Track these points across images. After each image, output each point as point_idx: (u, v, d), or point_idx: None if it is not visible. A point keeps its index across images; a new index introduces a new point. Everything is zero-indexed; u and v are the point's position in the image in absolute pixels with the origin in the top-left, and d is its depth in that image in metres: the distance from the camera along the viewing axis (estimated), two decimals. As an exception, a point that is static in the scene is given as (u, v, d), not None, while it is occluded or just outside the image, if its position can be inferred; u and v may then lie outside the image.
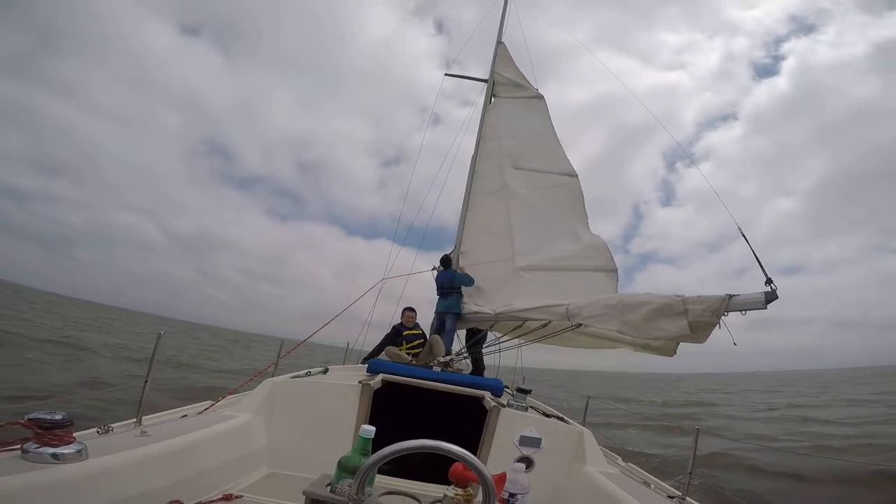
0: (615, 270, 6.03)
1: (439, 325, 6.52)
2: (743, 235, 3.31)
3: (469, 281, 6.63)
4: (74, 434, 1.75)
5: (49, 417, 1.65)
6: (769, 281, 2.86)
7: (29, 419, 1.64)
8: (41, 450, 1.61)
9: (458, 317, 6.42)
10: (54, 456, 1.61)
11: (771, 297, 2.84)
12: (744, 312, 2.96)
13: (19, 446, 1.62)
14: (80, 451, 1.68)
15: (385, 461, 1.29)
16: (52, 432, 1.64)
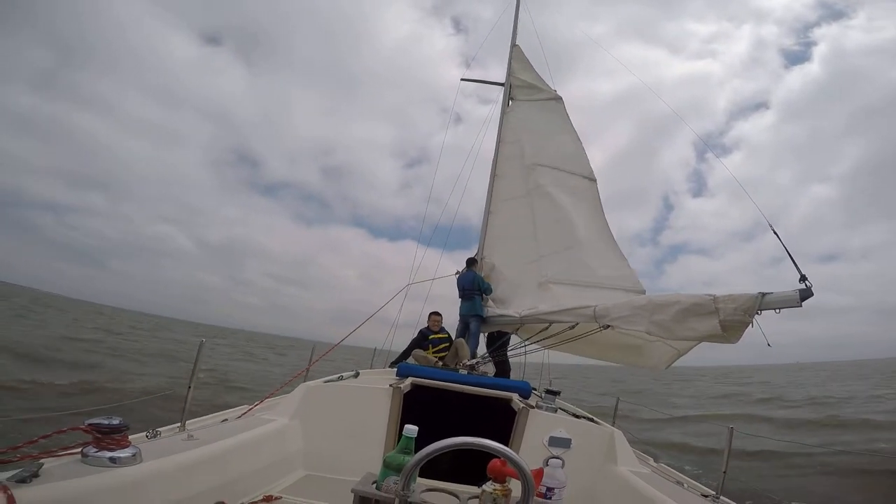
0: (643, 291, 5.91)
1: (463, 328, 6.54)
2: (774, 232, 3.26)
3: (488, 288, 6.64)
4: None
5: (107, 423, 1.73)
6: (803, 278, 2.82)
7: (89, 424, 1.72)
8: (100, 454, 1.68)
9: (482, 319, 6.44)
10: (112, 459, 1.69)
11: (806, 294, 2.79)
12: (778, 311, 2.91)
13: (80, 450, 1.70)
14: (135, 455, 1.76)
15: (429, 458, 1.33)
16: (110, 437, 1.72)
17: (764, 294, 2.94)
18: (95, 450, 1.69)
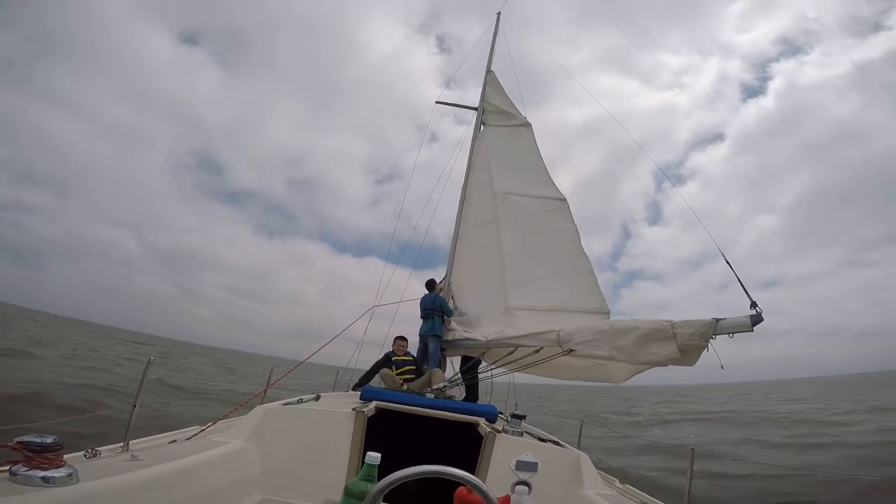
0: (608, 313, 6.05)
1: (423, 348, 6.53)
2: (726, 261, 3.39)
3: (450, 311, 6.68)
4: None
5: (39, 441, 1.63)
6: (754, 304, 2.93)
7: (18, 442, 1.62)
8: (30, 472, 1.58)
9: (447, 341, 6.44)
10: (44, 479, 1.58)
11: (756, 319, 2.90)
12: (731, 335, 3.02)
13: (8, 468, 1.59)
14: (70, 475, 1.65)
15: (393, 487, 1.29)
16: (42, 455, 1.61)
17: (718, 320, 3.04)
18: (26, 468, 1.59)
